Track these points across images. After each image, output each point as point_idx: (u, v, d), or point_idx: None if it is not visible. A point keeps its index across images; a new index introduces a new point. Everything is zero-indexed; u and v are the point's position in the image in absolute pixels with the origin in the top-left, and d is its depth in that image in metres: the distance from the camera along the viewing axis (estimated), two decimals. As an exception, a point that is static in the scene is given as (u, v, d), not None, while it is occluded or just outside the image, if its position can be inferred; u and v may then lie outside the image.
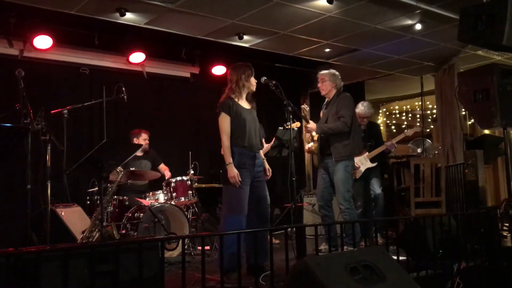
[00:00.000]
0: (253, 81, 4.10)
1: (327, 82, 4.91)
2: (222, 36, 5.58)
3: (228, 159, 3.91)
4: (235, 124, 3.98)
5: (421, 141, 7.40)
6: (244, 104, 4.10)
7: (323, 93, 4.97)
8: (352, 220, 4.61)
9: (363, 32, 5.52)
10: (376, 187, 5.77)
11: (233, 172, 3.87)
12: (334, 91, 4.93)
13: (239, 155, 3.95)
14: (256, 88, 4.16)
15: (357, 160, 5.69)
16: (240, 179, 3.88)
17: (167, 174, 5.83)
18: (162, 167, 5.96)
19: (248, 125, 4.00)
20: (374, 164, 5.70)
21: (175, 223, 5.21)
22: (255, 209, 4.02)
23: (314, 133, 4.92)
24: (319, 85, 4.96)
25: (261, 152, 4.23)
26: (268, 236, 3.40)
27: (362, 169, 5.71)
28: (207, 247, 5.02)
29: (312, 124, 4.75)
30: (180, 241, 4.75)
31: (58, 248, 2.41)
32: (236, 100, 4.04)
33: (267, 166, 4.19)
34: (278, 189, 6.03)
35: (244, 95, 4.10)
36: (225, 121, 3.97)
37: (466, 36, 4.04)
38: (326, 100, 5.04)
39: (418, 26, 5.33)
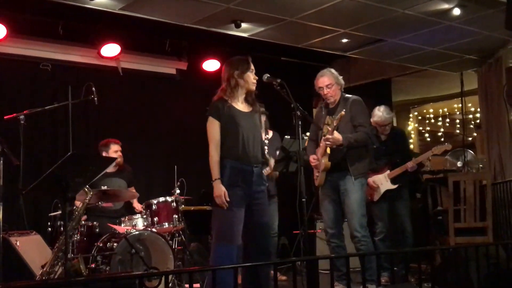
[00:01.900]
0: (249, 77, 4.06)
1: (335, 86, 4.93)
2: (215, 24, 5.61)
3: (215, 174, 3.92)
4: (227, 131, 3.98)
5: (461, 152, 7.40)
6: (241, 106, 4.09)
7: (332, 100, 4.96)
8: (377, 251, 4.61)
9: (389, 19, 5.55)
10: (406, 220, 5.80)
11: (219, 190, 3.88)
12: (339, 94, 4.98)
13: (230, 169, 3.95)
14: (257, 88, 4.14)
15: (376, 179, 5.71)
16: (228, 199, 3.88)
17: (137, 206, 5.81)
18: (133, 191, 5.93)
19: (244, 132, 3.99)
20: (395, 186, 5.71)
21: (157, 255, 5.20)
22: (253, 239, 4.00)
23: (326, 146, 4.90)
24: (324, 92, 4.93)
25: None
26: (272, 272, 3.39)
27: (382, 190, 5.73)
28: (197, 285, 5.01)
29: (337, 135, 4.69)
30: (163, 278, 4.73)
31: (12, 287, 2.40)
32: (230, 101, 4.05)
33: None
34: (285, 213, 6.02)
35: (240, 96, 4.09)
36: (213, 127, 3.99)
37: (516, 24, 4.06)
38: (323, 103, 5.07)
39: (457, 11, 5.36)
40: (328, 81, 4.92)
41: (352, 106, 4.85)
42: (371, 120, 5.79)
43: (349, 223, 4.85)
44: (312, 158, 4.99)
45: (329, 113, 4.97)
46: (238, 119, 4.00)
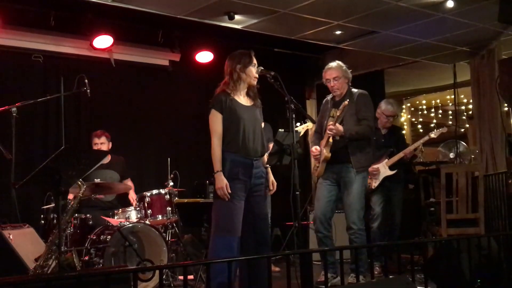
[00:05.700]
0: (251, 72, 4.10)
1: (342, 79, 4.97)
2: (208, 15, 5.58)
3: (217, 166, 3.95)
4: (228, 124, 4.01)
5: (454, 143, 7.43)
6: (243, 100, 4.13)
7: (338, 93, 5.00)
8: (369, 244, 4.65)
9: (382, 11, 5.54)
10: (397, 213, 5.90)
11: (221, 182, 3.91)
12: (346, 88, 5.00)
13: (231, 162, 3.98)
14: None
15: (375, 166, 5.76)
16: (230, 191, 3.91)
17: (132, 195, 5.79)
18: (128, 183, 5.92)
19: (245, 125, 4.03)
20: (393, 172, 5.79)
21: (150, 247, 5.20)
22: (253, 230, 4.04)
23: (329, 138, 4.90)
24: (331, 84, 4.99)
25: (265, 159, 4.25)
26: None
27: (381, 177, 5.80)
28: (191, 277, 5.03)
29: (339, 126, 4.75)
30: (158, 270, 4.75)
31: (5, 282, 2.39)
32: (232, 95, 4.08)
33: (271, 177, 4.20)
34: (278, 205, 6.03)
35: (242, 90, 4.13)
36: (215, 120, 4.02)
37: (509, 16, 4.07)
38: (331, 96, 5.11)
39: (450, 3, 5.37)
40: (335, 74, 4.96)
41: (358, 100, 4.89)
42: (378, 110, 5.87)
43: (347, 215, 4.88)
44: (314, 149, 5.02)
45: (335, 105, 5.01)
46: (240, 113, 4.04)
